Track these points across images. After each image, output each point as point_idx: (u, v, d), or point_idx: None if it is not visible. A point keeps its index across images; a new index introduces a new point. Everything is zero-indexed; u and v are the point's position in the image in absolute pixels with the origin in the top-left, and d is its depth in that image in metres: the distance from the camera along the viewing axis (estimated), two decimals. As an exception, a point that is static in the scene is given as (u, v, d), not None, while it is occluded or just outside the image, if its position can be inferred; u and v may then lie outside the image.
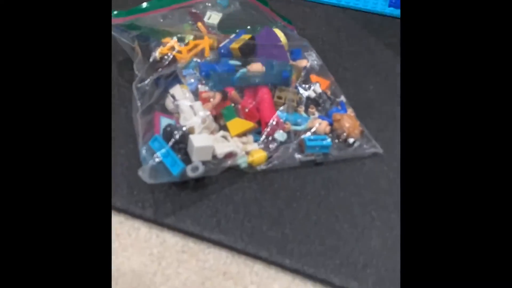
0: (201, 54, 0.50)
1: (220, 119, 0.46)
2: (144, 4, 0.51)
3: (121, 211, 0.41)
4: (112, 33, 0.49)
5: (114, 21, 0.50)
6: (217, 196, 0.42)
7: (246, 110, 0.45)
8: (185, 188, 0.42)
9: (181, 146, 0.41)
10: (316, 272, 0.37)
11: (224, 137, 0.45)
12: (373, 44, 0.60)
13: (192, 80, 0.48)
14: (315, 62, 0.53)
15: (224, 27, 0.54)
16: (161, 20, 0.51)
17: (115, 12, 0.50)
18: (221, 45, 0.51)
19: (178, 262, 0.38)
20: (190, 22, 0.53)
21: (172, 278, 0.37)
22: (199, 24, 0.52)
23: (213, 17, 0.56)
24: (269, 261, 0.38)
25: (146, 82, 0.44)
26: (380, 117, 0.50)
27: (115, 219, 0.41)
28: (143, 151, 0.39)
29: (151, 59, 0.46)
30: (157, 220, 0.40)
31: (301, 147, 0.45)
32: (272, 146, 0.44)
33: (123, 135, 0.46)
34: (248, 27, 0.54)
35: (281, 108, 0.46)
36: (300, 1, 0.66)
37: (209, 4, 0.54)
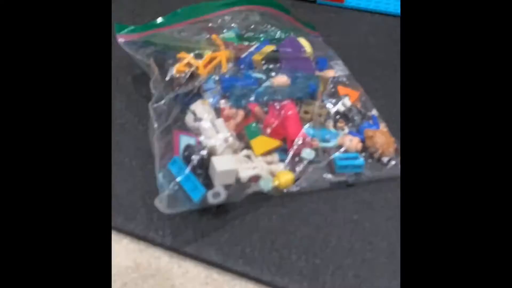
0: (218, 68, 0.47)
1: (243, 137, 0.43)
2: (159, 19, 0.49)
3: (140, 238, 0.39)
4: (128, 50, 0.47)
5: (130, 37, 0.47)
6: (240, 222, 0.39)
7: (268, 130, 0.42)
8: (205, 213, 0.39)
9: (201, 172, 0.38)
10: (351, 308, 0.34)
11: (248, 156, 0.42)
12: (404, 51, 0.56)
13: (213, 95, 0.45)
14: (343, 72, 0.50)
15: (244, 39, 0.51)
16: (178, 35, 0.48)
17: (132, 28, 0.48)
18: (242, 56, 0.49)
19: (201, 296, 0.36)
20: (206, 36, 0.51)
21: (195, 313, 0.35)
22: (214, 36, 0.49)
23: (230, 32, 0.53)
24: (299, 295, 0.35)
25: (163, 101, 0.42)
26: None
27: (135, 247, 0.38)
28: (160, 177, 0.37)
29: (167, 78, 0.44)
30: (178, 249, 0.37)
31: (331, 167, 0.42)
32: (298, 168, 0.41)
33: (141, 156, 0.43)
34: (270, 37, 0.51)
35: (308, 124, 0.43)
36: (325, 6, 0.63)
37: (227, 18, 0.51)
